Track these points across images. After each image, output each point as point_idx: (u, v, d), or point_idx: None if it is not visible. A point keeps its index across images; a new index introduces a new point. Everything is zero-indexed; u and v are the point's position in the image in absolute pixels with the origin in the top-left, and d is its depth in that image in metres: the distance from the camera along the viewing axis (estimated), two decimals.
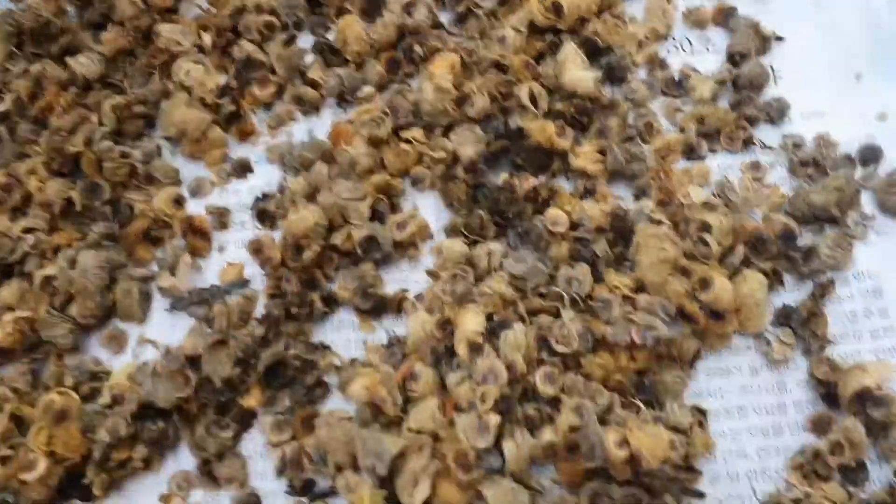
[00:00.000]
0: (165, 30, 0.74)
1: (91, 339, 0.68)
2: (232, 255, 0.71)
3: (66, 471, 0.61)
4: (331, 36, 0.78)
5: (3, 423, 0.60)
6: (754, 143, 0.74)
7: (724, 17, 0.78)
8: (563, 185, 0.72)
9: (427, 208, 0.73)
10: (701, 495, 0.63)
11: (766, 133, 0.74)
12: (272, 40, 0.75)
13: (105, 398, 0.63)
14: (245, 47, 0.74)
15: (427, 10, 0.76)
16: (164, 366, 0.62)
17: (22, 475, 0.58)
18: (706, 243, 0.66)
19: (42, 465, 0.59)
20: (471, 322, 0.65)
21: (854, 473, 0.63)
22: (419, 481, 0.59)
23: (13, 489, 0.59)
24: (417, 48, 0.75)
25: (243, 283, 0.69)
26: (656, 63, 0.77)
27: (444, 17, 0.79)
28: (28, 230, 0.68)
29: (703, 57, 0.78)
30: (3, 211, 0.69)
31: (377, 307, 0.68)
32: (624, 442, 0.60)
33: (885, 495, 0.62)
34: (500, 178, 0.71)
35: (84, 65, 0.72)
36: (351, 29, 0.75)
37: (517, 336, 0.63)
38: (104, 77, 0.74)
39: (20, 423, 0.62)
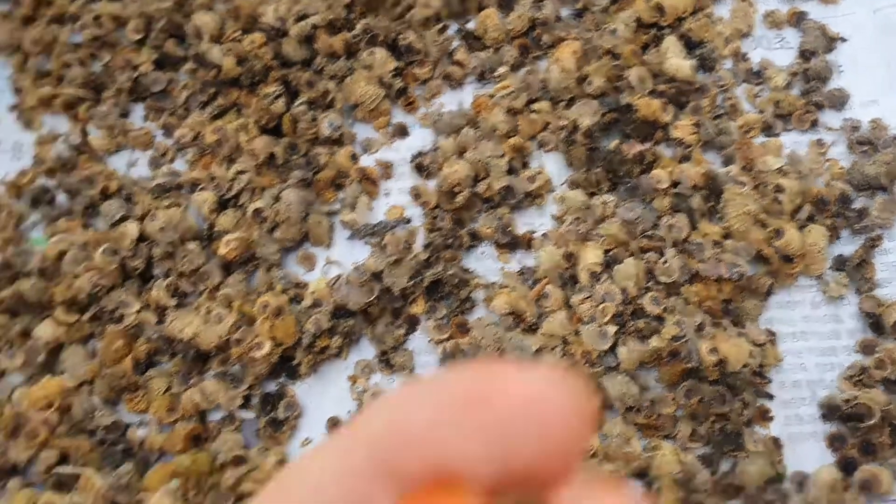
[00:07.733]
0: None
1: (289, 259, 0.86)
2: (395, 199, 0.89)
3: (281, 353, 0.79)
4: (471, 25, 0.95)
5: (234, 316, 0.78)
6: (819, 125, 0.90)
7: (797, 19, 0.94)
8: (664, 151, 0.89)
9: (551, 166, 0.90)
10: (770, 396, 0.80)
11: (829, 117, 0.90)
12: (428, 30, 0.92)
13: (307, 301, 0.80)
14: (409, 37, 0.91)
15: (553, 5, 0.94)
16: (355, 277, 0.80)
17: (252, 353, 0.77)
18: (780, 202, 0.82)
19: (267, 346, 0.77)
20: (591, 255, 0.82)
21: (894, 385, 0.79)
22: None
23: (243, 363, 0.78)
24: (545, 37, 0.92)
25: (405, 220, 0.87)
26: (739, 56, 0.93)
27: (564, 12, 0.96)
28: (240, 172, 0.86)
29: (779, 52, 0.94)
30: (217, 161, 0.87)
31: (512, 243, 0.86)
32: (714, 349, 0.77)
33: None
34: (612, 143, 0.88)
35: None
36: (490, 19, 0.93)
37: (628, 268, 0.80)
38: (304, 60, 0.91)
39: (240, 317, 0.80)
